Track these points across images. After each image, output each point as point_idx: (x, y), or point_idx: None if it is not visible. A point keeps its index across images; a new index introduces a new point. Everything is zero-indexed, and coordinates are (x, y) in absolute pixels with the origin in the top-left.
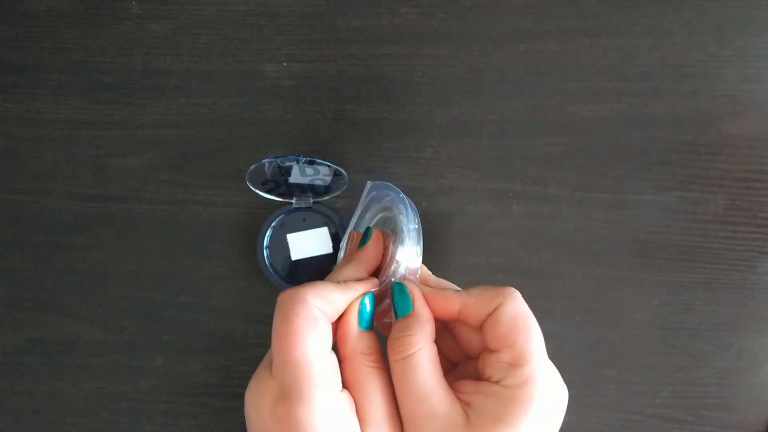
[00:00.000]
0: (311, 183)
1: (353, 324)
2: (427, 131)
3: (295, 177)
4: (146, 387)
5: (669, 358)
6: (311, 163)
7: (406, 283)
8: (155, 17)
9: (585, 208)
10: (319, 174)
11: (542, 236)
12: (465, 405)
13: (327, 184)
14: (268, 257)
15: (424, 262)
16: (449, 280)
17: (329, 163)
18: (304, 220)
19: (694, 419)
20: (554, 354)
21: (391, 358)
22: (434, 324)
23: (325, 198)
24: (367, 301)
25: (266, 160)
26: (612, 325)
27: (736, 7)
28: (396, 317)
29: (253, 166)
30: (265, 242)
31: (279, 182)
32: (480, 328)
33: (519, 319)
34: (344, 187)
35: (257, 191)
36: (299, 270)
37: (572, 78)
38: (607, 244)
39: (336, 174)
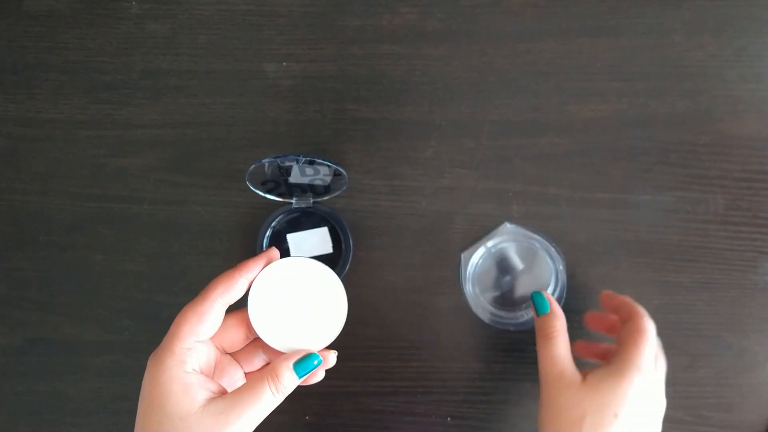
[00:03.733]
0: (311, 183)
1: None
2: (427, 131)
3: (295, 177)
4: None
5: (669, 358)
6: (311, 163)
7: (541, 292)
8: (155, 17)
9: (585, 208)
10: (319, 174)
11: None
12: (583, 373)
13: (327, 184)
14: None
15: (423, 262)
16: (449, 280)
17: (329, 163)
18: (304, 220)
19: (694, 419)
20: None
21: (540, 339)
22: (564, 319)
23: (325, 198)
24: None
25: (266, 160)
26: None
27: (736, 7)
28: (538, 315)
29: (253, 165)
30: (265, 242)
31: (279, 182)
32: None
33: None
34: (344, 187)
35: (257, 191)
36: None
37: (572, 78)
38: (607, 244)
39: (336, 174)
